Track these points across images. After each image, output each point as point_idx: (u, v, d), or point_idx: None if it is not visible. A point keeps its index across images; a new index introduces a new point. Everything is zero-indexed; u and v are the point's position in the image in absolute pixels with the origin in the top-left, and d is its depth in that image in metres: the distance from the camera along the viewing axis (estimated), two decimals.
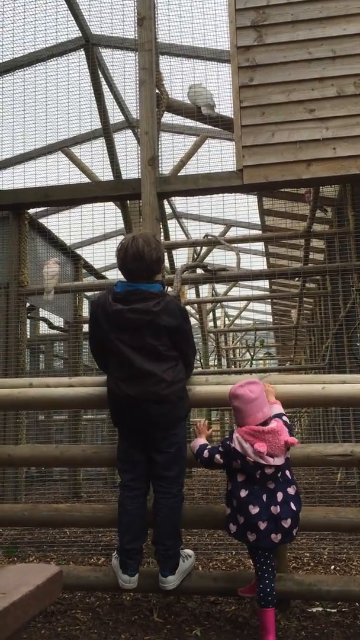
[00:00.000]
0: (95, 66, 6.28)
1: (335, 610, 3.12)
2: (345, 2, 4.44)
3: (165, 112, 5.28)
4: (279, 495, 2.62)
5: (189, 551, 3.14)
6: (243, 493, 2.64)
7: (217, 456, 2.74)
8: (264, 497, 2.61)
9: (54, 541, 4.68)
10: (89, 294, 8.24)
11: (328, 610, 3.13)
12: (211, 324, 14.49)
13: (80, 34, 6.17)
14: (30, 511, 3.35)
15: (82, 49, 6.29)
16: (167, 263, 8.28)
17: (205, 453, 2.79)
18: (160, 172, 4.78)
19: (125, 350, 2.84)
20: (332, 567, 3.85)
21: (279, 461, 2.60)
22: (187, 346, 3.01)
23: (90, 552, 4.32)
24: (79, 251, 7.94)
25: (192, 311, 12.06)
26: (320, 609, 3.14)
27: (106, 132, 6.70)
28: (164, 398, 2.83)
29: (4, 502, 5.37)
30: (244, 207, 6.27)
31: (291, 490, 2.67)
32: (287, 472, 2.71)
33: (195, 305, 11.60)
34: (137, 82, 4.76)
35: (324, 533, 4.39)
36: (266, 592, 2.68)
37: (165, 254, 8.06)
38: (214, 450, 2.77)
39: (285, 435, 2.64)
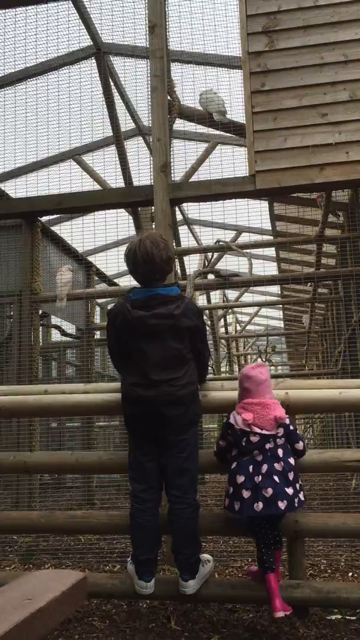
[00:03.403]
0: (107, 74, 6.31)
1: (354, 618, 3.08)
2: (357, 6, 4.43)
3: (176, 119, 5.30)
4: (264, 467, 2.74)
5: (207, 556, 3.12)
6: (233, 465, 2.82)
7: (221, 442, 2.96)
8: (250, 467, 2.76)
9: (69, 548, 4.67)
10: (101, 301, 8.26)
11: (347, 617, 3.09)
12: (222, 330, 14.46)
13: (92, 43, 6.21)
14: (46, 518, 3.35)
15: (93, 58, 6.33)
16: (178, 269, 8.28)
17: (216, 446, 3.02)
18: (172, 178, 4.79)
19: (145, 360, 2.84)
20: (350, 574, 3.81)
21: (266, 432, 2.75)
22: (204, 347, 3.03)
23: (106, 559, 4.31)
24: (91, 258, 7.97)
25: (204, 317, 12.04)
26: (339, 616, 3.10)
27: (118, 139, 6.73)
28: (178, 399, 2.83)
29: (18, 509, 5.37)
30: (256, 213, 6.27)
31: (278, 466, 2.76)
32: (279, 450, 2.79)
33: (207, 311, 11.58)
34: (149, 89, 4.78)
35: (340, 540, 4.35)
36: (277, 534, 2.92)
37: (177, 260, 8.08)
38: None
39: (277, 410, 2.79)
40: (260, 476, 2.72)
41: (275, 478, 2.72)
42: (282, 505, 2.69)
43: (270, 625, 3.00)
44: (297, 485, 2.79)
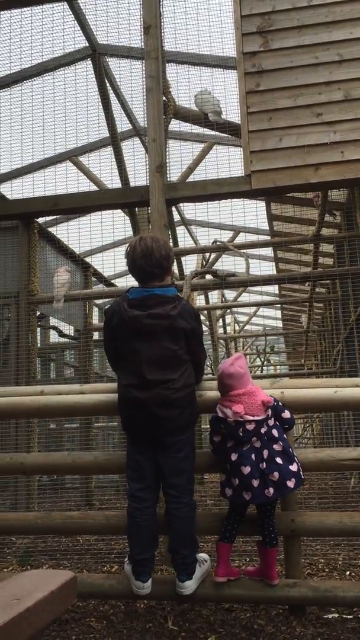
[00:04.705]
0: (103, 75, 6.32)
1: (351, 617, 3.08)
2: (351, 6, 4.44)
3: (172, 120, 5.31)
4: (265, 453, 2.79)
5: (204, 555, 3.13)
6: (234, 457, 2.82)
7: (215, 438, 2.95)
8: (253, 456, 2.78)
9: (67, 549, 4.67)
10: (98, 301, 8.26)
11: (344, 616, 3.09)
12: (221, 330, 14.46)
13: (87, 44, 6.22)
14: (43, 519, 3.35)
15: (89, 59, 6.33)
16: (176, 270, 8.28)
17: (212, 445, 3.01)
18: (169, 179, 4.80)
19: (139, 360, 2.84)
20: (348, 573, 3.81)
21: (258, 417, 2.79)
22: (200, 349, 3.02)
23: (104, 559, 4.31)
24: (88, 259, 7.97)
25: (202, 317, 12.04)
26: (336, 615, 3.10)
27: (114, 140, 6.73)
28: (173, 402, 2.82)
29: (17, 511, 5.37)
30: (252, 213, 6.28)
31: (277, 447, 2.82)
32: (274, 431, 2.85)
33: (205, 311, 11.59)
34: (144, 90, 4.78)
35: (339, 539, 4.35)
36: (272, 531, 2.96)
37: (175, 261, 8.08)
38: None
39: (261, 395, 2.84)
40: (264, 462, 2.78)
41: (278, 460, 2.79)
42: (290, 484, 2.79)
43: (267, 624, 3.00)
44: (296, 458, 2.88)
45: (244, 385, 2.86)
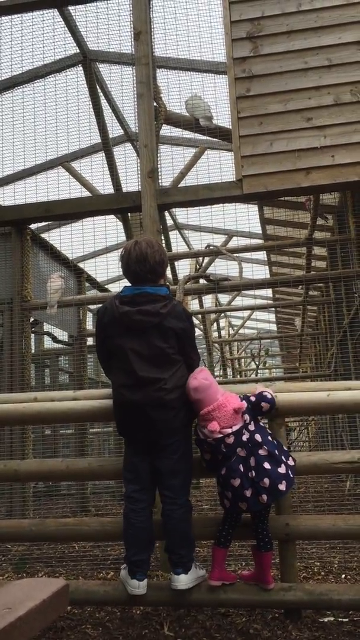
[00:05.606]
0: (94, 81, 6.33)
1: (347, 620, 3.09)
2: (340, 11, 4.46)
3: (163, 125, 5.32)
4: (252, 460, 2.78)
5: (199, 565, 3.13)
6: (223, 471, 2.82)
7: (205, 457, 2.94)
8: (241, 467, 2.77)
9: (63, 556, 4.66)
10: (92, 307, 8.26)
11: (340, 619, 3.09)
12: (215, 334, 14.47)
13: (78, 50, 6.23)
14: (37, 526, 3.34)
15: (80, 65, 6.34)
16: (169, 274, 8.29)
17: (206, 463, 2.99)
18: (161, 184, 4.80)
19: (130, 357, 2.85)
20: (343, 576, 3.81)
21: (236, 427, 2.78)
22: (192, 350, 3.02)
23: (100, 566, 4.30)
24: (81, 265, 7.97)
25: (196, 322, 12.05)
26: (332, 618, 3.10)
27: (106, 146, 6.74)
28: (167, 403, 2.83)
29: (11, 518, 5.34)
30: (244, 217, 6.30)
31: (262, 452, 2.80)
32: (257, 436, 2.82)
33: (199, 315, 11.60)
34: (135, 95, 4.79)
35: (334, 542, 4.35)
36: (266, 535, 2.96)
37: (168, 265, 8.08)
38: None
39: (232, 403, 2.80)
40: (252, 471, 2.76)
41: (266, 465, 2.77)
42: (282, 486, 2.78)
43: (263, 628, 3.00)
44: (283, 457, 2.85)
45: (213, 397, 2.82)
